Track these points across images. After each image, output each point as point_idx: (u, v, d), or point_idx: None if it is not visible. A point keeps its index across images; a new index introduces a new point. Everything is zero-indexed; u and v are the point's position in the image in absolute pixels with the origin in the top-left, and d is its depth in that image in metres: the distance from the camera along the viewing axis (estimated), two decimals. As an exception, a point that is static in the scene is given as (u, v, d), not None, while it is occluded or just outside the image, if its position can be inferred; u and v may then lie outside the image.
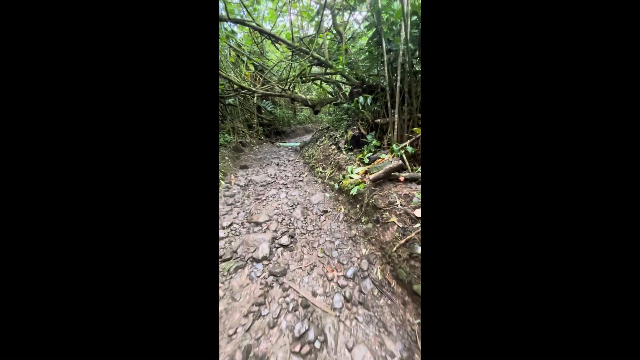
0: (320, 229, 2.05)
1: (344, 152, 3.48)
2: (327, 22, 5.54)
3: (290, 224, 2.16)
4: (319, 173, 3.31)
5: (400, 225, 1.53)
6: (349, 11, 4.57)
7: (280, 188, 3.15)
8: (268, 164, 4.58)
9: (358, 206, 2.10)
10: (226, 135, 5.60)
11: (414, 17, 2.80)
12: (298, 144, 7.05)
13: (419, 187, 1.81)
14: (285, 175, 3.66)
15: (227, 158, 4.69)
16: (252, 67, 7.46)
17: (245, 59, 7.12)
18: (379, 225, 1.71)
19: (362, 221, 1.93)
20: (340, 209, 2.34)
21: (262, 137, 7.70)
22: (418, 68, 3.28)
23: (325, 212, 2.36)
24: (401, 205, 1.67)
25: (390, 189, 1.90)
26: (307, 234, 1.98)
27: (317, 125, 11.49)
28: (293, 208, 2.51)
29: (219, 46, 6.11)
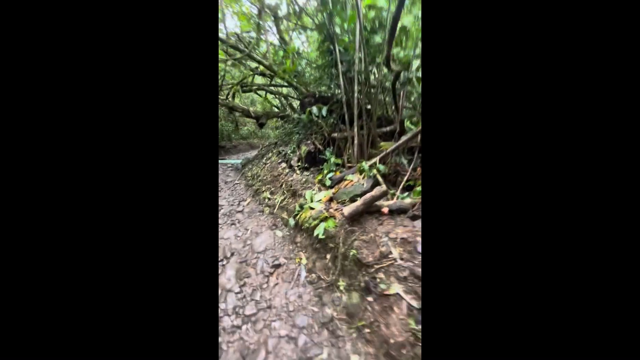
0: (270, 307, 1.17)
1: (298, 172, 2.76)
2: (270, 30, 4.99)
3: (214, 306, 1.19)
4: (266, 200, 2.44)
5: (415, 305, 0.87)
6: (295, 15, 4.14)
7: (207, 226, 2.10)
8: (195, 189, 3.35)
9: (328, 257, 1.36)
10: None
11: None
12: (239, 161, 5.89)
13: (416, 224, 1.24)
14: (219, 205, 2.59)
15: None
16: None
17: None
18: (372, 299, 1.01)
19: (340, 287, 1.18)
20: (301, 258, 1.53)
21: (193, 153, 6.13)
22: (374, 81, 3.04)
23: (277, 266, 1.50)
24: (402, 258, 1.04)
25: (376, 229, 1.26)
26: (245, 327, 1.06)
27: (263, 141, 10.47)
28: (223, 264, 1.53)
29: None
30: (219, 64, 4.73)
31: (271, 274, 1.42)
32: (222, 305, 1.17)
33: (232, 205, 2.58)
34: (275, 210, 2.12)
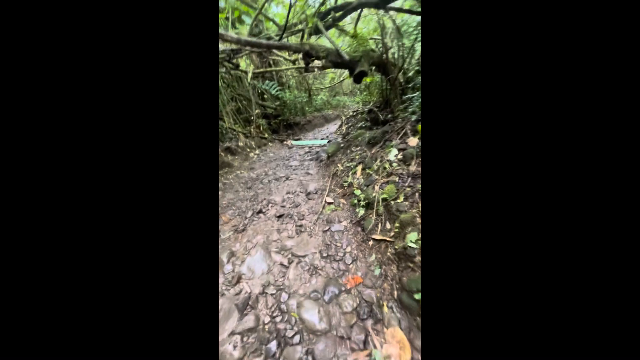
0: None
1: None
2: None
3: None
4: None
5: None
6: None
7: None
8: (261, 210, 1.78)
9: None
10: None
11: None
12: (323, 141, 4.13)
13: None
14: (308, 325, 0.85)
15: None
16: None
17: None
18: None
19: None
20: None
21: (267, 135, 4.88)
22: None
23: None
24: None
25: None
26: None
27: (338, 111, 8.23)
28: None
29: None
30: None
31: None
32: None
33: (319, 297, 0.79)
34: None
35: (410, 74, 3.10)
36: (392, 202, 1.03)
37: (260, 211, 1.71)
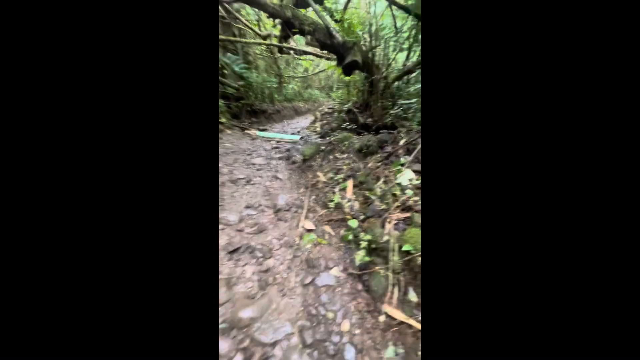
0: None
1: None
2: None
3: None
4: None
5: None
6: None
7: None
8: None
9: None
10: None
11: None
12: (294, 137, 3.58)
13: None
14: None
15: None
16: None
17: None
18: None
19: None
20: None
21: (224, 120, 3.95)
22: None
23: None
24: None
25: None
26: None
27: (310, 105, 7.69)
28: None
29: None
30: None
31: None
32: None
33: None
34: None
35: (390, 79, 2.92)
36: (421, 260, 0.68)
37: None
